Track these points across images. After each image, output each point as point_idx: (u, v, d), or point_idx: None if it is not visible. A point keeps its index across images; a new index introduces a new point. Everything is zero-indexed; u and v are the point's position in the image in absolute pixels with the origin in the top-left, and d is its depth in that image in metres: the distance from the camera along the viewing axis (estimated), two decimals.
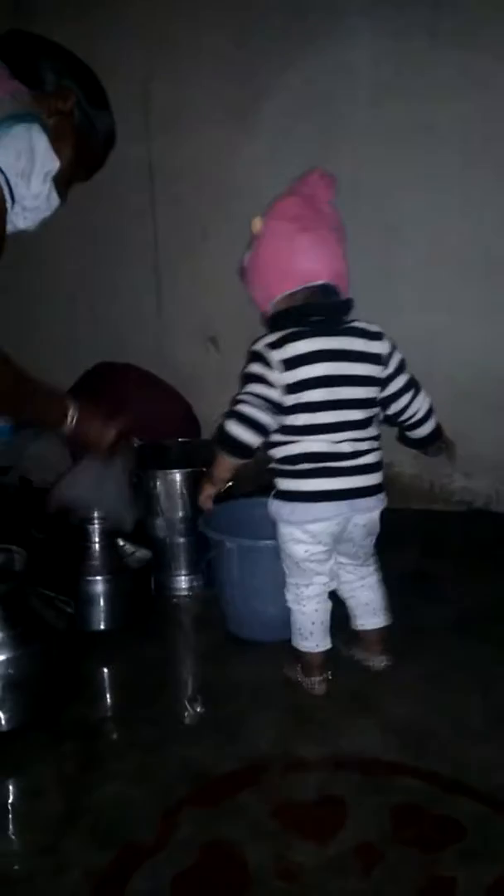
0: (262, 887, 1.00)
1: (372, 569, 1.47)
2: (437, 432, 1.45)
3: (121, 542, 1.69)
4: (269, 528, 1.68)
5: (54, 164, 1.07)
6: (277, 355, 1.27)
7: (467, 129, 2.05)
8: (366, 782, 1.19)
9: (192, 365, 2.40)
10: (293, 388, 1.28)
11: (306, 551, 1.35)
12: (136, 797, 1.17)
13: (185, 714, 1.36)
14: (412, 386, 1.38)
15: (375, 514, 1.38)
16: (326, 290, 1.31)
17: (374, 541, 1.44)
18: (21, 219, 1.08)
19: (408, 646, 1.55)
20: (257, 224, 1.34)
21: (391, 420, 1.41)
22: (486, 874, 1.00)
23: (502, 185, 2.07)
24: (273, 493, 1.37)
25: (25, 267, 2.24)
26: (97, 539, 1.64)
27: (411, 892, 0.98)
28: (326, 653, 1.42)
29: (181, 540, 1.84)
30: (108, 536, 1.64)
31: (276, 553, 1.53)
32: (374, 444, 1.35)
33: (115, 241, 2.42)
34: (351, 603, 1.48)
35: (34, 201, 1.06)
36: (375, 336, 1.33)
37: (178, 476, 1.82)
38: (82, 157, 1.18)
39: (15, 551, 1.39)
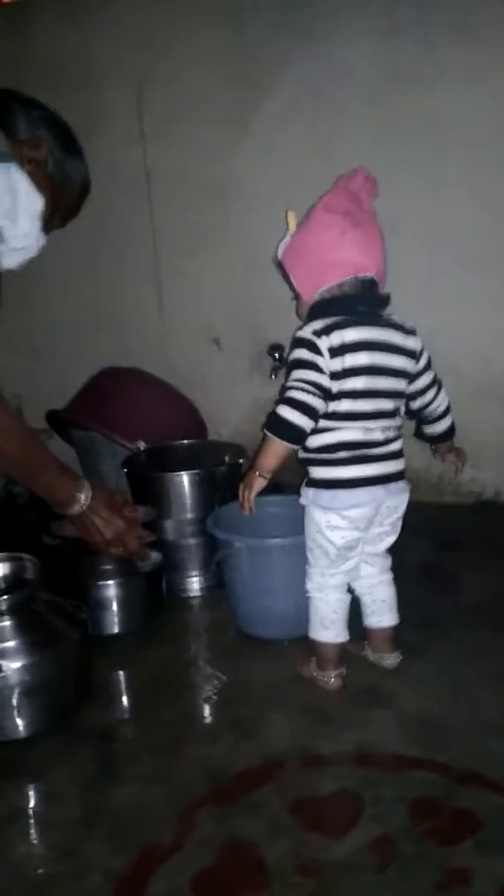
0: (281, 884, 1.01)
1: (389, 564, 1.50)
2: (452, 429, 1.52)
3: None
4: (277, 527, 1.69)
5: (39, 203, 1.08)
6: (326, 342, 1.30)
7: (467, 121, 2.04)
8: (382, 776, 1.19)
9: (195, 366, 2.41)
10: (339, 375, 1.31)
11: (343, 538, 1.38)
12: (154, 798, 1.18)
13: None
14: (437, 382, 1.45)
15: (404, 497, 1.43)
16: (372, 284, 1.37)
17: (399, 526, 1.46)
18: (7, 258, 1.10)
19: (419, 639, 1.56)
20: (292, 219, 1.40)
21: (414, 413, 1.47)
22: (503, 866, 1.01)
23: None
24: (307, 482, 1.40)
25: (25, 277, 2.25)
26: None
27: (429, 884, 0.99)
28: (342, 647, 1.44)
29: (191, 541, 1.85)
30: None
31: (285, 551, 1.55)
32: (399, 432, 1.41)
33: (113, 245, 2.43)
34: (367, 600, 1.49)
35: (23, 240, 1.07)
36: (411, 332, 1.39)
37: (185, 478, 1.82)
38: (57, 205, 1.20)
39: (27, 559, 1.41)
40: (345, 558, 1.41)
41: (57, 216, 1.23)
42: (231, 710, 1.39)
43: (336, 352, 1.30)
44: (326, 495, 1.37)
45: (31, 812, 1.19)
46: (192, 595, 1.86)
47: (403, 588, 1.77)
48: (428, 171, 2.10)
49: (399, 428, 1.41)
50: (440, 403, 1.47)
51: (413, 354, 1.39)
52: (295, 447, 1.35)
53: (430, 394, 1.44)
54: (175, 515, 1.84)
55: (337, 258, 1.34)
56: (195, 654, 1.62)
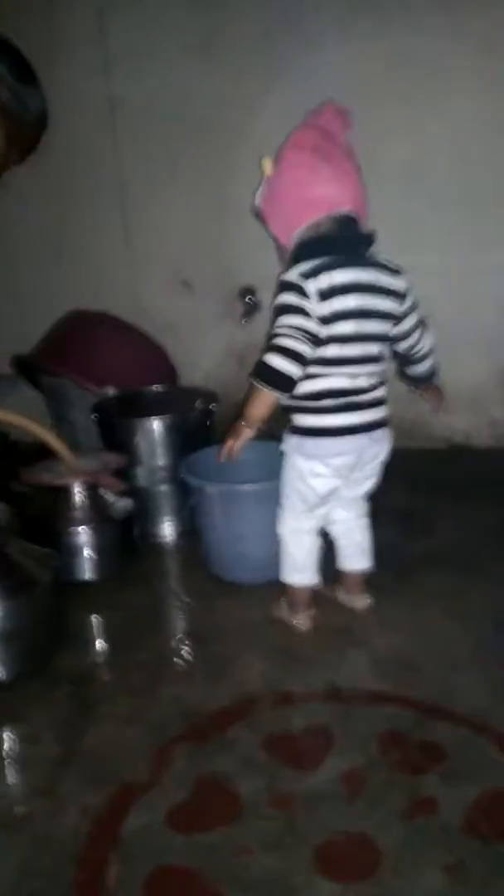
0: (255, 816, 1.04)
1: (366, 509, 1.51)
2: (435, 370, 1.50)
3: (102, 492, 1.69)
4: (249, 473, 1.69)
5: None
6: (314, 285, 1.25)
7: (445, 59, 1.97)
8: (352, 712, 1.23)
9: (166, 310, 2.35)
10: (328, 319, 1.26)
11: (325, 485, 1.37)
12: (130, 737, 1.20)
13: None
14: (422, 323, 1.42)
15: (386, 445, 1.42)
16: (349, 220, 1.30)
17: (379, 472, 1.46)
18: None
19: (390, 580, 1.59)
20: (268, 165, 1.32)
21: (398, 355, 1.45)
22: (468, 794, 1.05)
23: (481, 115, 2.00)
24: (290, 428, 1.37)
25: None
26: (78, 490, 1.63)
27: (397, 812, 1.03)
28: (314, 589, 1.46)
29: (163, 487, 1.84)
30: (90, 487, 1.64)
31: (258, 497, 1.55)
32: (384, 378, 1.39)
33: (78, 181, 2.33)
34: (342, 542, 1.50)
35: None
36: (396, 272, 1.35)
37: (156, 423, 1.81)
38: (13, 138, 1.12)
39: None
40: (322, 504, 1.42)
41: (14, 150, 1.16)
42: (205, 652, 1.41)
43: (325, 294, 1.25)
44: (310, 443, 1.35)
45: (8, 753, 1.20)
46: (164, 541, 1.87)
47: (376, 531, 1.80)
48: (405, 107, 2.04)
49: (383, 373, 1.39)
50: (424, 344, 1.43)
51: (400, 295, 1.34)
52: (285, 395, 1.29)
53: (416, 335, 1.41)
54: (146, 462, 1.83)
55: (308, 196, 1.28)
56: (168, 598, 1.63)
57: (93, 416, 1.90)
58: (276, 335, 1.27)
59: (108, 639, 1.51)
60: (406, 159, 2.08)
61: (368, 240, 1.34)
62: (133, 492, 1.72)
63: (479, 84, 1.99)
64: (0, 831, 1.04)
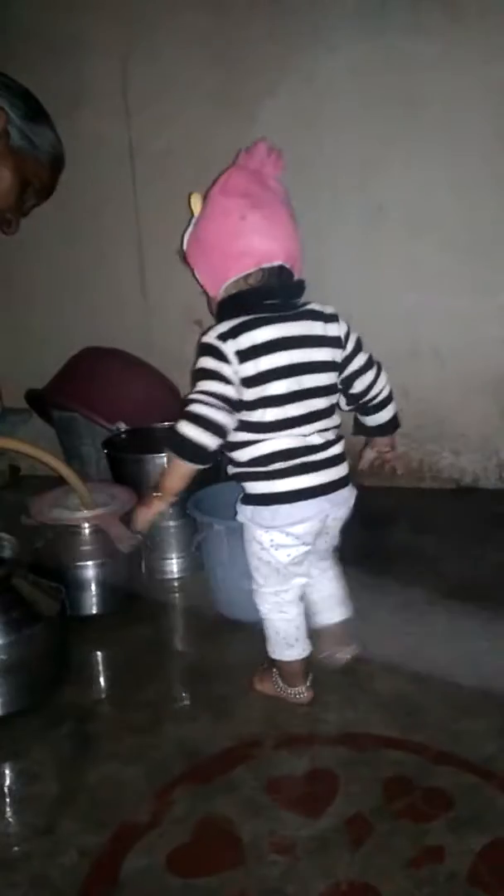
0: (256, 861, 1.02)
1: (332, 560, 1.41)
2: (395, 421, 1.38)
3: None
4: None
5: None
6: (232, 346, 1.16)
7: (451, 103, 2.03)
8: (356, 756, 1.21)
9: (177, 348, 2.38)
10: (254, 380, 1.17)
11: (289, 555, 1.26)
12: (131, 777, 1.19)
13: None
14: (374, 364, 1.31)
15: (351, 504, 1.32)
16: (282, 272, 1.21)
17: (338, 538, 1.38)
18: None
19: (396, 621, 1.58)
20: (196, 203, 1.24)
21: (354, 401, 1.33)
22: (474, 842, 1.03)
23: (487, 161, 2.06)
24: (242, 498, 1.26)
25: (4, 254, 2.22)
26: (87, 524, 1.64)
27: (402, 861, 1.01)
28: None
29: (171, 523, 1.85)
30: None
31: None
32: (339, 432, 1.29)
33: (95, 223, 2.39)
34: (314, 598, 1.40)
35: None
36: (332, 318, 1.25)
37: (165, 460, 1.81)
38: (27, 179, 1.16)
39: (5, 538, 1.40)
40: (295, 574, 1.30)
41: (31, 192, 1.20)
42: (209, 691, 1.40)
43: (246, 355, 1.16)
44: (266, 512, 1.23)
45: (6, 790, 1.19)
46: (171, 577, 1.86)
47: (381, 572, 1.80)
48: (413, 154, 2.09)
49: (338, 428, 1.28)
50: (382, 387, 1.32)
51: (338, 342, 1.24)
52: (201, 467, 1.21)
53: (370, 375, 1.29)
54: None
55: (237, 248, 1.18)
56: (173, 635, 1.62)
57: (104, 451, 1.92)
58: (191, 401, 1.18)
59: (112, 675, 1.50)
60: (413, 201, 2.12)
61: (298, 289, 1.24)
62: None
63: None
64: None
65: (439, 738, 1.23)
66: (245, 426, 1.21)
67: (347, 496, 1.29)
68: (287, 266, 1.22)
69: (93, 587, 1.63)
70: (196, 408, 1.17)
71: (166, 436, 1.24)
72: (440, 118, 2.05)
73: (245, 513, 1.26)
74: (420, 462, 2.32)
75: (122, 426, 2.00)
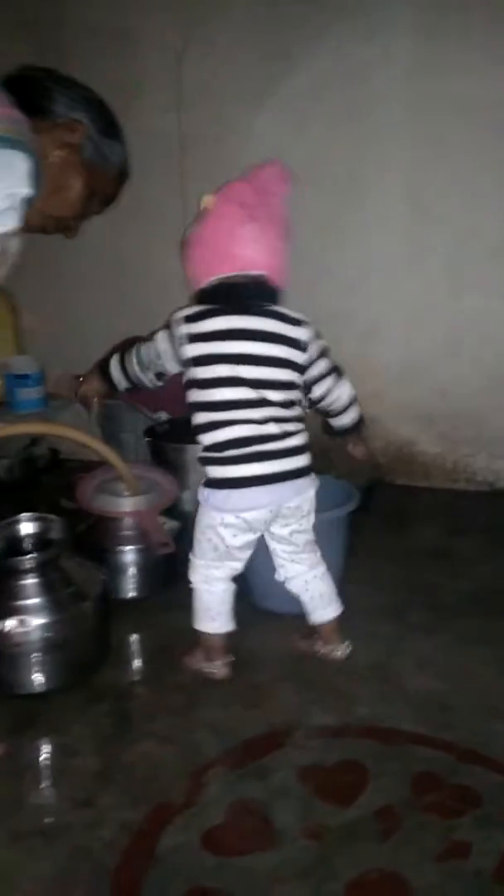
0: (288, 845, 1.05)
1: (318, 558, 1.48)
2: (359, 423, 1.47)
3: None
4: None
5: (24, 191, 1.03)
6: (186, 329, 1.32)
7: (500, 109, 2.02)
8: (386, 750, 1.24)
9: None
10: (198, 361, 1.31)
11: (235, 536, 1.36)
12: (167, 757, 1.23)
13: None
14: (334, 370, 1.40)
15: (308, 495, 1.39)
16: (259, 279, 1.33)
17: (311, 524, 1.43)
18: None
19: (427, 620, 1.60)
20: (209, 201, 1.34)
21: (314, 405, 1.43)
22: (501, 840, 1.05)
23: None
24: (204, 481, 1.37)
25: (53, 244, 2.25)
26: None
27: (430, 854, 1.04)
28: (230, 635, 1.43)
29: None
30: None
31: None
32: (299, 426, 1.37)
33: (142, 214, 2.41)
34: (305, 598, 1.47)
35: None
36: (296, 322, 1.35)
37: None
38: (94, 189, 1.19)
39: (52, 520, 1.44)
40: (234, 558, 1.39)
41: (95, 201, 1.23)
42: (242, 679, 1.43)
43: (197, 338, 1.31)
44: (219, 496, 1.33)
45: (49, 764, 1.24)
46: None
47: (414, 571, 1.82)
48: (461, 158, 2.09)
49: (300, 422, 1.37)
50: (340, 393, 1.41)
51: (298, 344, 1.33)
52: (103, 387, 1.48)
53: (328, 381, 1.39)
54: (194, 486, 1.86)
55: (226, 252, 1.31)
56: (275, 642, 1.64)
57: (145, 440, 1.96)
58: (136, 347, 1.43)
59: (148, 658, 1.54)
60: (459, 205, 2.12)
61: (270, 295, 1.35)
62: (180, 515, 1.76)
63: None
64: (41, 838, 1.07)
65: (469, 736, 1.25)
66: (200, 406, 1.34)
67: (302, 486, 1.37)
68: (266, 275, 1.33)
69: (131, 571, 1.67)
70: (128, 356, 1.44)
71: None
72: (491, 123, 2.04)
73: (202, 493, 1.37)
74: (454, 464, 2.32)
75: (164, 415, 2.04)
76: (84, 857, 1.04)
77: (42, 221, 1.17)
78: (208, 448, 1.34)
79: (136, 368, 1.43)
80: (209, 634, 1.43)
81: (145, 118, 2.25)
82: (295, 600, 1.62)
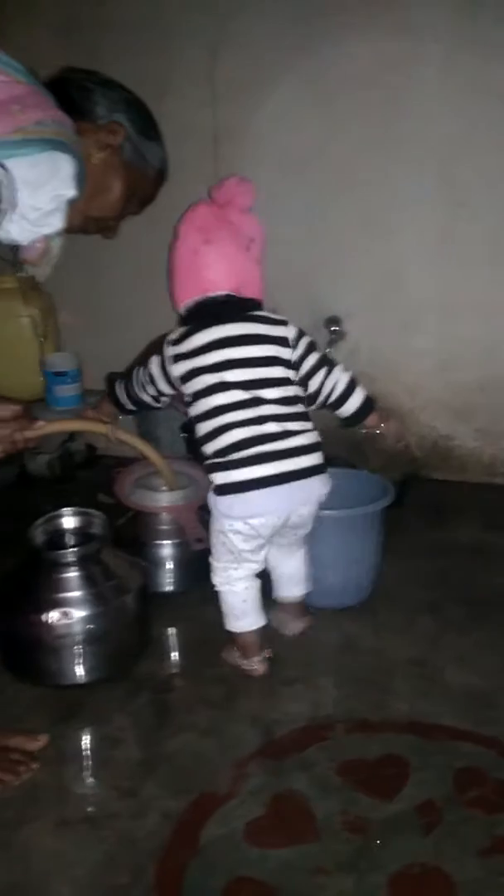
0: (331, 838, 1.06)
1: (300, 544, 1.49)
2: (368, 405, 1.43)
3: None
4: (328, 498, 1.72)
5: (70, 192, 1.05)
6: (173, 350, 1.37)
7: None
8: (427, 745, 1.23)
9: None
10: (186, 377, 1.36)
11: (245, 542, 1.36)
12: (208, 748, 1.24)
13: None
14: (324, 364, 1.40)
15: (319, 499, 1.39)
16: (228, 299, 1.38)
17: (310, 523, 1.44)
18: (16, 227, 1.05)
19: (465, 616, 1.59)
20: None
21: (313, 400, 1.42)
22: None
23: None
24: (212, 488, 1.37)
25: (88, 240, 2.28)
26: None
27: (473, 850, 1.03)
28: (262, 630, 1.43)
29: None
30: None
31: (337, 523, 1.58)
32: (303, 424, 1.35)
33: (177, 209, 2.42)
34: (274, 575, 1.50)
35: (33, 213, 1.04)
36: (278, 322, 1.38)
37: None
38: (133, 190, 1.20)
39: (94, 515, 1.46)
40: (249, 560, 1.39)
41: (134, 202, 1.24)
42: (280, 672, 1.44)
43: (185, 356, 1.35)
44: (224, 502, 1.32)
45: (92, 753, 1.26)
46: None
47: (451, 566, 1.81)
48: (495, 148, 2.05)
49: (305, 420, 1.36)
50: (335, 382, 1.40)
51: (285, 342, 1.36)
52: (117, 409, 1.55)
53: (319, 375, 1.39)
54: None
55: (188, 277, 1.39)
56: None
57: (181, 435, 1.97)
58: (134, 372, 1.48)
59: (187, 650, 1.56)
60: (497, 197, 2.09)
61: (251, 305, 1.39)
62: None
63: None
64: (88, 825, 1.09)
65: None
66: (197, 419, 1.37)
67: (312, 488, 1.35)
68: (235, 295, 1.38)
69: (169, 565, 1.69)
70: (131, 381, 1.49)
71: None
72: None
73: (211, 499, 1.37)
74: (492, 458, 2.29)
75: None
76: (128, 846, 1.06)
77: (83, 222, 1.19)
78: (211, 455, 1.35)
79: (136, 391, 1.49)
80: (240, 633, 1.43)
81: (180, 114, 2.26)
82: (331, 595, 1.63)
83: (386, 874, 1.00)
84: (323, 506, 1.57)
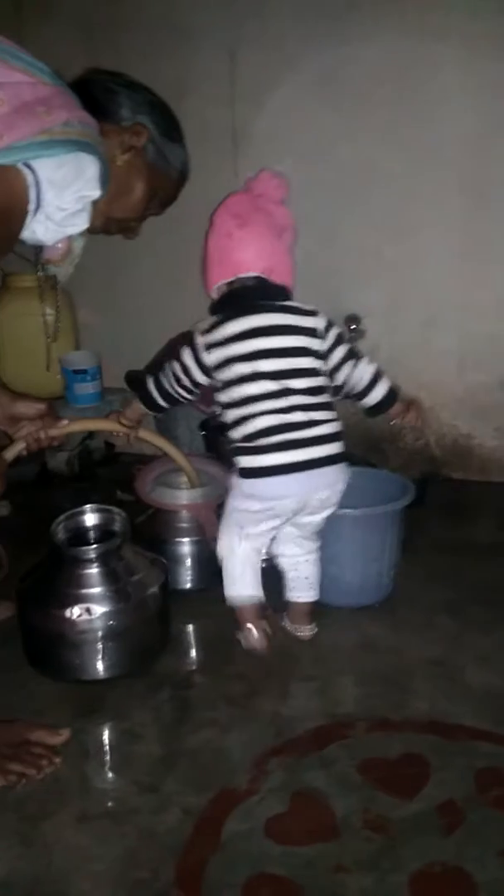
0: (351, 836, 1.06)
1: (317, 546, 1.52)
2: (391, 396, 1.46)
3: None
4: (348, 497, 1.72)
5: (94, 193, 1.06)
6: (204, 339, 1.40)
7: None
8: (448, 745, 1.23)
9: None
10: (219, 366, 1.39)
11: (259, 523, 1.42)
12: (228, 745, 1.25)
13: None
14: (352, 356, 1.44)
15: (338, 487, 1.43)
16: (258, 281, 1.40)
17: (327, 510, 1.47)
18: (42, 227, 1.06)
19: (485, 616, 1.58)
20: None
21: (340, 391, 1.46)
22: None
23: None
24: (235, 469, 1.42)
25: (108, 239, 2.29)
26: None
27: (495, 850, 1.03)
28: (260, 606, 1.49)
29: None
30: None
31: (356, 522, 1.58)
32: (329, 414, 1.40)
33: (196, 208, 2.43)
34: (290, 575, 1.53)
35: (59, 213, 1.04)
36: (309, 313, 1.41)
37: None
38: (155, 192, 1.21)
39: (115, 512, 1.47)
40: (256, 540, 1.45)
41: (155, 203, 1.25)
42: (300, 670, 1.44)
43: (217, 345, 1.38)
44: (247, 484, 1.39)
45: (113, 748, 1.27)
46: (262, 558, 1.90)
47: (470, 566, 1.80)
48: None
49: (329, 409, 1.40)
50: (361, 375, 1.43)
51: (314, 332, 1.40)
52: (148, 411, 1.54)
53: (346, 368, 1.43)
54: None
55: (221, 259, 1.41)
56: (263, 614, 1.66)
57: (201, 433, 1.98)
58: (164, 368, 1.49)
59: (206, 647, 1.56)
60: None
61: (280, 293, 1.41)
62: None
63: None
64: (109, 820, 1.10)
65: None
66: (227, 405, 1.41)
67: (333, 476, 1.40)
68: (263, 276, 1.41)
69: (188, 563, 1.69)
70: (162, 377, 1.49)
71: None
72: None
73: (233, 480, 1.43)
74: None
75: (218, 410, 2.05)
76: (149, 841, 1.06)
77: (105, 223, 1.19)
78: (239, 440, 1.40)
79: (168, 386, 1.49)
80: (236, 601, 1.48)
81: (198, 114, 2.26)
82: (349, 594, 1.63)
83: (407, 873, 1.00)
84: (343, 504, 1.58)
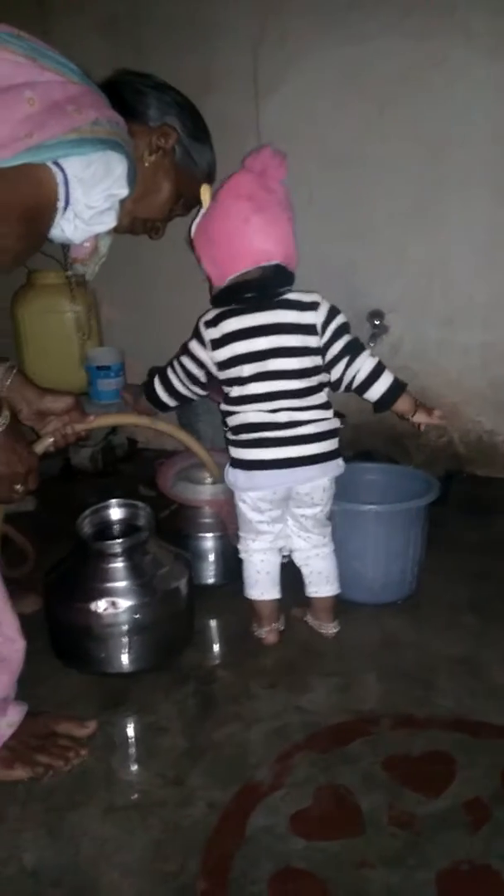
0: (376, 832, 1.06)
1: (326, 540, 1.52)
2: (394, 391, 1.40)
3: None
4: (372, 493, 1.72)
5: (122, 191, 1.06)
6: (209, 334, 1.38)
7: None
8: (473, 742, 1.22)
9: None
10: (224, 364, 1.38)
11: (252, 512, 1.46)
12: (253, 739, 1.25)
13: None
14: (350, 349, 1.38)
15: (320, 483, 1.42)
16: (277, 270, 1.35)
17: (325, 512, 1.47)
18: (71, 226, 1.06)
19: None
20: (206, 194, 1.31)
21: (338, 387, 1.42)
22: None
23: None
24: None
25: (132, 238, 2.30)
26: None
27: None
28: (276, 603, 1.52)
29: None
30: None
31: (379, 518, 1.58)
32: (317, 413, 1.38)
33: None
34: (304, 571, 1.54)
35: (87, 211, 1.04)
36: (309, 306, 1.36)
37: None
38: (182, 192, 1.21)
39: (140, 507, 1.48)
40: (260, 532, 1.47)
41: (181, 203, 1.25)
42: (324, 666, 1.44)
43: (219, 342, 1.37)
44: (231, 475, 1.44)
45: (138, 741, 1.28)
46: (285, 554, 1.90)
47: (494, 563, 1.78)
48: None
49: (319, 409, 1.38)
50: (359, 368, 1.37)
51: (313, 329, 1.35)
52: (155, 408, 1.54)
53: (343, 362, 1.37)
54: None
55: (239, 249, 1.33)
56: (285, 610, 1.66)
57: (224, 428, 1.97)
58: (169, 363, 1.48)
59: (230, 642, 1.56)
60: None
61: (281, 281, 1.36)
62: None
63: None
64: (135, 812, 1.11)
65: None
66: (226, 400, 1.42)
67: (313, 474, 1.40)
68: (283, 264, 1.35)
69: (211, 558, 1.70)
70: (168, 372, 1.49)
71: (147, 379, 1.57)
72: None
73: (227, 472, 1.47)
74: None
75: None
76: (175, 834, 1.07)
77: (131, 223, 1.20)
78: (229, 431, 1.43)
79: (179, 383, 1.48)
80: (253, 601, 1.51)
81: (222, 111, 2.26)
82: (372, 590, 1.62)
83: (434, 870, 1.00)
84: (366, 500, 1.58)
